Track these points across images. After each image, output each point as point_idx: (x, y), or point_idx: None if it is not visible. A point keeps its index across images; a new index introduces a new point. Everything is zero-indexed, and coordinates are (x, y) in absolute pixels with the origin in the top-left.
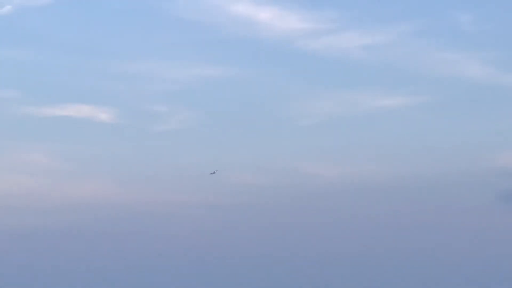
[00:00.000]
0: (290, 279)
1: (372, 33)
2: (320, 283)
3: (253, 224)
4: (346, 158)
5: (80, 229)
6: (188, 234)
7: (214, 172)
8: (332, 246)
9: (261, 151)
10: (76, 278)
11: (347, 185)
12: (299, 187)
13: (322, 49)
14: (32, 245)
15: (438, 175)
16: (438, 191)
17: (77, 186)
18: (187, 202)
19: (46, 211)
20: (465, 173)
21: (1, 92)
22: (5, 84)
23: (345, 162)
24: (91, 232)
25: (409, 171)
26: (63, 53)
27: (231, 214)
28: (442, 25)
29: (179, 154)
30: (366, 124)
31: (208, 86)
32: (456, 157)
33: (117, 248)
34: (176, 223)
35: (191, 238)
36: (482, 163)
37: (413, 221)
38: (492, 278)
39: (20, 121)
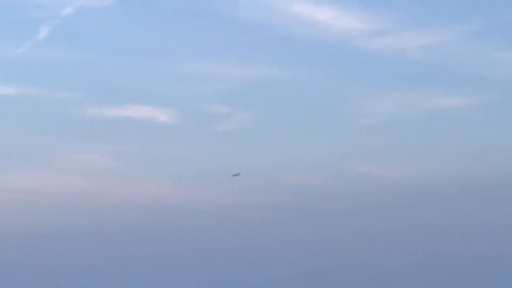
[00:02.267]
0: (344, 276)
1: (431, 33)
2: (373, 281)
3: (311, 224)
4: (404, 158)
5: (140, 229)
6: (246, 233)
7: (237, 174)
8: (390, 246)
9: (319, 151)
10: (132, 276)
11: (406, 186)
12: (357, 187)
13: (380, 49)
14: (91, 244)
15: (496, 175)
16: (498, 192)
17: (137, 187)
18: (245, 202)
19: (106, 211)
20: None
21: (63, 93)
22: (67, 86)
23: (403, 162)
24: (151, 232)
25: (468, 171)
26: (122, 54)
27: (289, 213)
28: (501, 25)
29: (237, 154)
30: (424, 124)
31: (266, 86)
32: None
33: (174, 248)
34: (234, 223)
35: (249, 237)
36: None
37: (473, 222)
38: None
39: (81, 122)
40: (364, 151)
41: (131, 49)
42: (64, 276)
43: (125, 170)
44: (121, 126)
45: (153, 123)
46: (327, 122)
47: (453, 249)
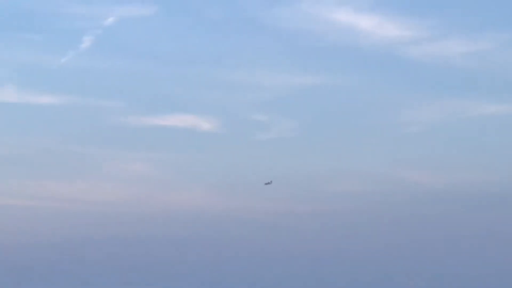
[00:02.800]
0: (390, 284)
1: (474, 40)
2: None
3: (353, 232)
4: (449, 166)
5: (184, 237)
6: (288, 241)
7: (269, 183)
8: (435, 254)
9: (362, 159)
10: (173, 283)
11: (450, 194)
12: (401, 195)
13: (423, 56)
14: (135, 251)
15: None
16: None
17: (178, 195)
18: (287, 210)
19: (150, 219)
20: None
21: (106, 102)
22: (110, 95)
23: (448, 170)
24: (195, 240)
25: None
26: (165, 63)
27: (331, 222)
28: None
29: (280, 163)
30: (469, 131)
31: (308, 95)
32: None
33: (216, 255)
34: (276, 230)
35: (290, 245)
36: None
37: None
38: None
39: (124, 131)
40: (408, 158)
41: (173, 58)
42: (108, 282)
43: (169, 178)
44: (164, 135)
45: (196, 132)
46: (370, 130)
47: (502, 256)
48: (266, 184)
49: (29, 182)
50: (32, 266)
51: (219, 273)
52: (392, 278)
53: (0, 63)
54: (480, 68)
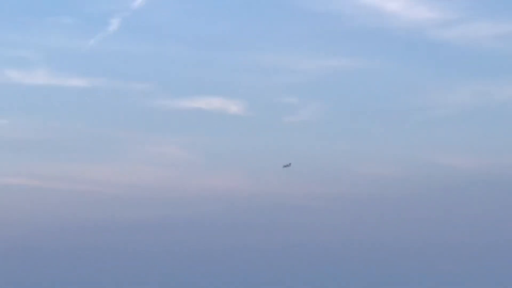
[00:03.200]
0: (420, 270)
1: (505, 22)
2: (450, 275)
3: (384, 216)
4: (480, 149)
5: (211, 220)
6: (319, 225)
7: (288, 165)
8: (468, 239)
9: (392, 142)
10: (204, 269)
11: (482, 177)
12: (431, 178)
13: (453, 38)
14: (164, 236)
15: None
16: None
17: (208, 178)
18: (318, 194)
19: (177, 203)
20: None
21: (135, 84)
22: (139, 77)
23: (479, 153)
24: (222, 223)
25: None
26: (193, 46)
27: (362, 205)
28: None
29: (309, 146)
30: (500, 114)
31: (338, 77)
32: None
33: (247, 240)
34: (306, 214)
35: (322, 230)
36: None
37: None
38: None
39: (153, 114)
40: (437, 142)
41: (202, 40)
42: (138, 267)
43: (197, 161)
44: (194, 118)
45: (224, 115)
46: (399, 112)
47: None
48: (284, 166)
49: (58, 165)
50: (61, 249)
51: (248, 257)
52: (421, 262)
53: (30, 47)
54: (510, 50)
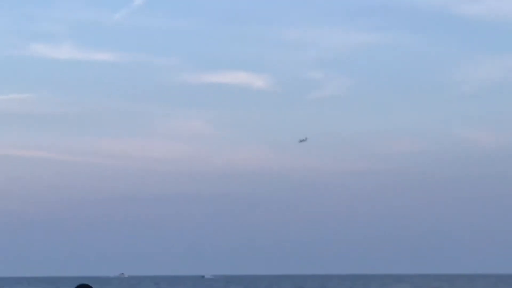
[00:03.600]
0: (445, 241)
1: None
2: (472, 252)
3: (410, 191)
4: (507, 124)
5: (236, 194)
6: (342, 200)
7: (304, 139)
8: (495, 212)
9: (419, 118)
10: (229, 242)
11: (508, 152)
12: (458, 153)
13: (482, 14)
14: (190, 210)
15: None
16: None
17: (233, 152)
18: (342, 169)
19: (203, 177)
20: None
21: (160, 59)
22: (165, 52)
23: (506, 128)
24: (245, 197)
25: None
26: (219, 21)
27: (388, 180)
28: None
29: (334, 121)
30: None
31: (363, 53)
32: None
33: (269, 213)
34: (331, 189)
35: (344, 204)
36: None
37: None
38: None
39: (179, 88)
40: (466, 117)
41: (227, 15)
42: (162, 238)
43: (223, 136)
44: (219, 92)
45: (249, 89)
46: (426, 88)
47: None
48: (301, 141)
49: (84, 139)
50: (87, 221)
51: (275, 230)
52: (449, 235)
53: (56, 21)
54: None
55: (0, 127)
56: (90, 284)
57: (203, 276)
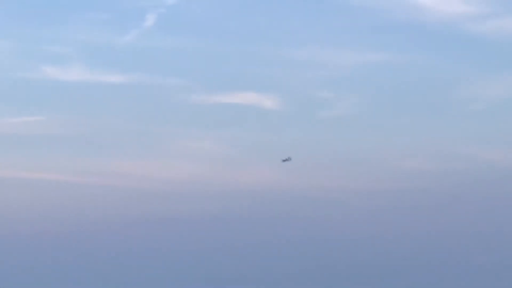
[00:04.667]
0: (457, 265)
1: None
2: (491, 270)
3: (422, 210)
4: None
5: (247, 215)
6: (354, 220)
7: (288, 159)
8: (508, 233)
9: (429, 136)
10: (240, 262)
11: None
12: (470, 172)
13: (488, 32)
14: (200, 230)
15: None
16: None
17: (244, 172)
18: (353, 188)
19: (213, 197)
20: None
21: (170, 80)
22: (174, 73)
23: None
24: (262, 218)
25: None
26: (228, 41)
27: (401, 200)
28: None
29: (345, 140)
30: None
31: (373, 72)
32: None
33: (281, 233)
34: (342, 208)
35: (357, 224)
36: None
37: None
38: None
39: (188, 109)
40: (475, 135)
41: (236, 35)
42: (178, 261)
43: (235, 156)
44: (229, 113)
45: (259, 109)
46: (436, 107)
47: None
48: (284, 161)
49: (95, 161)
50: (97, 244)
51: (285, 251)
52: (463, 256)
53: (66, 42)
54: None
55: (11, 150)
56: None
57: None
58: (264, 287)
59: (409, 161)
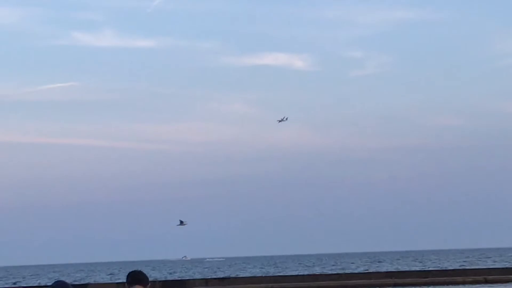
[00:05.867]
0: (490, 213)
1: None
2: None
3: (450, 167)
4: None
5: (279, 176)
6: (388, 178)
7: (284, 119)
8: None
9: (460, 93)
10: (274, 224)
11: None
12: (499, 127)
13: None
14: (234, 192)
15: None
16: None
17: (275, 133)
18: (385, 147)
19: (246, 159)
20: None
21: (200, 43)
22: (204, 36)
23: None
24: (288, 179)
25: None
26: (259, 3)
27: (430, 157)
28: None
29: (375, 99)
30: None
31: (403, 29)
32: None
33: (313, 194)
34: (374, 167)
35: (389, 180)
36: None
37: None
38: None
39: (220, 71)
40: (506, 91)
41: None
42: (213, 219)
43: (265, 117)
44: (260, 74)
45: (290, 70)
46: (466, 63)
47: None
48: (279, 121)
49: (127, 125)
50: (143, 206)
51: (319, 211)
52: (493, 205)
53: (96, 9)
54: None
55: (46, 117)
56: (141, 271)
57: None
58: (307, 249)
59: (440, 118)
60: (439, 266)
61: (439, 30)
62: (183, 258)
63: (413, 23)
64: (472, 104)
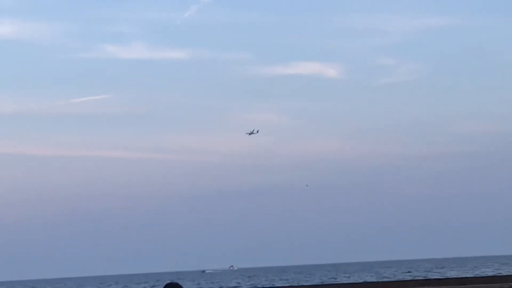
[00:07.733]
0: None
1: None
2: None
3: (483, 173)
4: None
5: (315, 184)
6: (419, 184)
7: (255, 132)
8: None
9: (492, 99)
10: (305, 232)
11: None
12: None
13: None
14: (263, 202)
15: None
16: None
17: (307, 142)
18: (415, 153)
19: (279, 168)
20: None
21: (231, 54)
22: (235, 47)
23: None
24: (322, 187)
25: None
26: (289, 13)
27: (464, 162)
28: None
29: (407, 106)
30: None
31: (434, 37)
32: None
33: (344, 202)
34: (404, 175)
35: (422, 188)
36: None
37: None
38: None
39: (252, 81)
40: None
41: (295, 7)
42: (238, 233)
43: (297, 126)
44: (290, 84)
45: (322, 79)
46: (498, 70)
47: None
48: (249, 134)
49: (159, 137)
50: (161, 217)
51: (353, 219)
52: None
53: (126, 21)
54: None
55: (80, 129)
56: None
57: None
58: (332, 252)
59: (473, 124)
60: None
61: (469, 36)
62: (230, 268)
63: (442, 30)
64: (505, 109)
